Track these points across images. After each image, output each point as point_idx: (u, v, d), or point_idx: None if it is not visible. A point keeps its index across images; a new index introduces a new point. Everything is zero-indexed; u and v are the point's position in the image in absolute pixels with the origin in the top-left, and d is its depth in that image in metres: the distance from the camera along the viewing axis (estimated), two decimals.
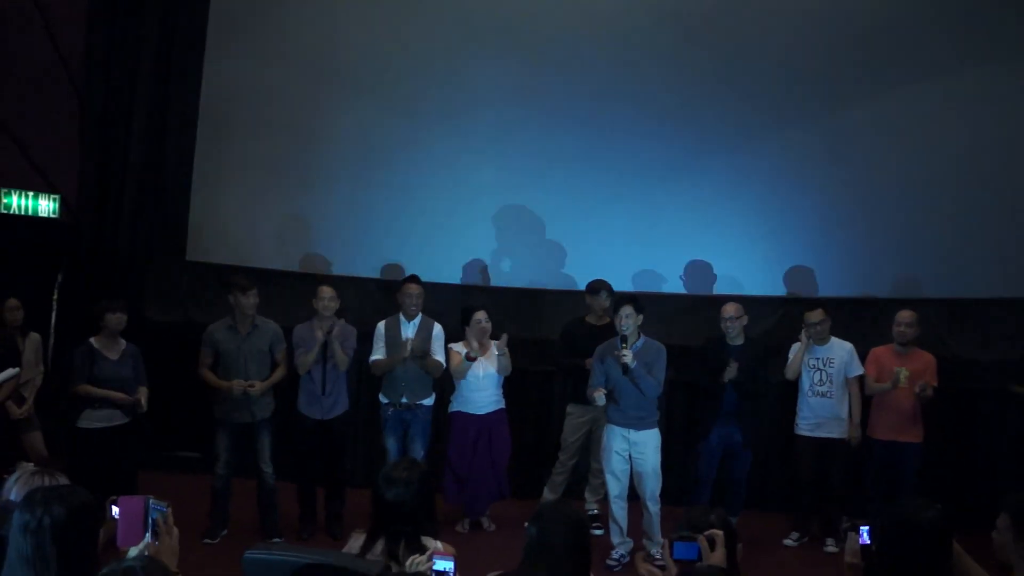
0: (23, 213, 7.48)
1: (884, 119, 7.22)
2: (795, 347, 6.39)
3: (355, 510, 6.14)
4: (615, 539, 5.95)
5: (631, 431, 5.81)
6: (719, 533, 2.77)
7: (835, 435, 6.27)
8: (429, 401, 6.45)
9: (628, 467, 5.85)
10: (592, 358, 5.94)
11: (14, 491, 2.89)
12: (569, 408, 6.61)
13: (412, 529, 3.07)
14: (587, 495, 6.66)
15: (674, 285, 7.44)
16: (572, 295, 7.17)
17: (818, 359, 6.31)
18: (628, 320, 5.71)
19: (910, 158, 7.19)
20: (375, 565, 2.94)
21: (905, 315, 6.20)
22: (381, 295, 7.27)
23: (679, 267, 7.44)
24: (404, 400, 6.33)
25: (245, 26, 7.86)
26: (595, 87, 7.46)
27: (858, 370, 6.28)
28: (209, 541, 6.01)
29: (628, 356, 5.63)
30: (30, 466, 3.11)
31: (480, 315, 6.30)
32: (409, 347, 6.28)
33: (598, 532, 6.17)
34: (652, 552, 5.81)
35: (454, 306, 6.84)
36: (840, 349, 6.31)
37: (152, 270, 7.73)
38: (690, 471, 6.64)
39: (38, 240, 7.55)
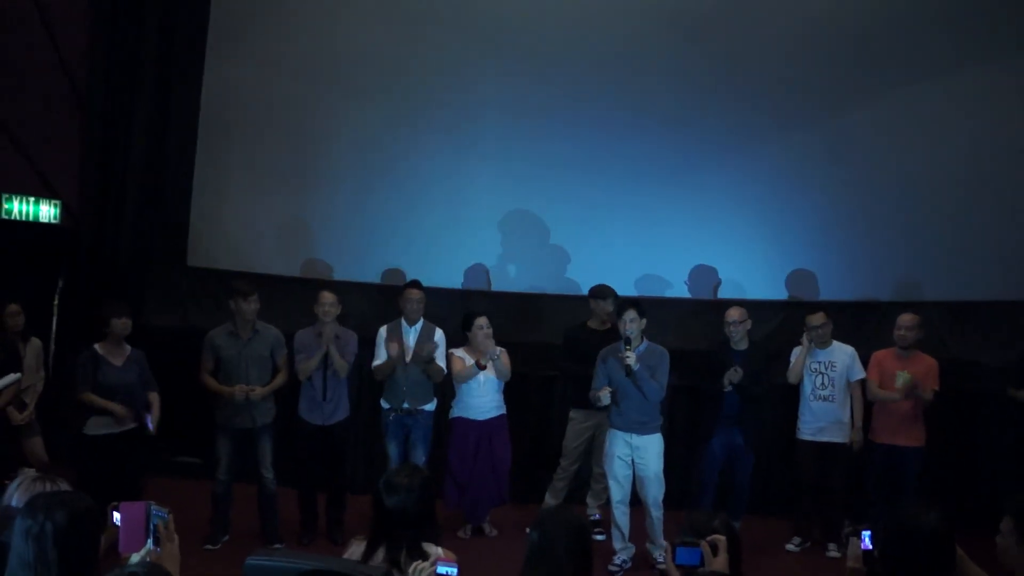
0: (24, 218, 7.48)
1: (885, 121, 7.23)
2: (796, 351, 6.39)
3: (356, 516, 6.14)
4: (617, 544, 5.94)
5: (633, 436, 5.81)
6: (721, 538, 2.76)
7: (837, 439, 6.26)
8: (430, 407, 6.44)
9: (630, 472, 5.85)
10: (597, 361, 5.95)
11: (15, 497, 2.90)
12: (572, 413, 6.60)
13: (413, 535, 3.06)
14: (589, 500, 6.65)
15: (676, 290, 7.45)
16: (573, 300, 7.17)
17: (820, 363, 6.30)
18: (632, 324, 5.74)
19: (911, 161, 7.19)
20: (377, 571, 2.93)
21: (906, 319, 6.19)
22: (382, 300, 7.26)
23: (680, 271, 7.44)
24: (405, 405, 6.33)
25: (246, 30, 7.87)
26: (596, 91, 7.46)
27: (860, 374, 6.27)
28: (210, 547, 6.00)
29: (631, 358, 5.64)
30: (31, 472, 3.11)
31: (481, 321, 6.30)
32: (409, 355, 6.27)
33: (600, 538, 6.16)
34: (655, 556, 5.81)
35: (455, 311, 6.84)
36: (842, 353, 6.30)
37: (153, 275, 7.73)
38: (693, 475, 6.64)
39: (39, 245, 7.55)
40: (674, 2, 7.47)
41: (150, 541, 2.71)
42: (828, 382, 6.27)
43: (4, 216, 7.28)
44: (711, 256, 7.43)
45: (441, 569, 2.81)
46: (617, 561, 5.93)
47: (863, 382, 6.27)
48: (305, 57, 7.77)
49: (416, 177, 7.63)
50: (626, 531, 5.93)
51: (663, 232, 7.42)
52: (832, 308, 6.55)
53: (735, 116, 7.37)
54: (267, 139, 7.84)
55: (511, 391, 6.55)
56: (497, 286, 7.64)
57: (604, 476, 6.10)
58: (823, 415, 6.27)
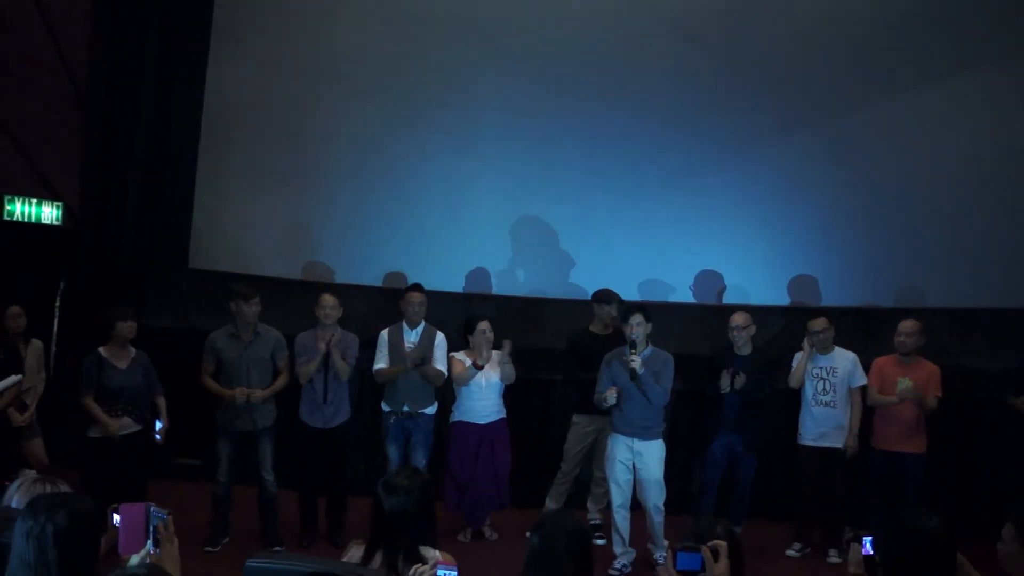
0: (26, 220, 7.48)
1: (887, 125, 7.24)
2: (798, 356, 6.39)
3: (357, 518, 6.12)
4: (617, 549, 5.94)
5: (635, 440, 5.81)
6: (723, 544, 2.75)
7: (838, 445, 6.25)
8: (431, 410, 6.44)
9: (632, 476, 5.84)
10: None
11: (15, 498, 2.90)
12: (575, 418, 6.58)
13: (411, 539, 3.05)
14: (589, 504, 6.64)
15: (680, 294, 7.44)
16: (574, 304, 7.17)
17: (821, 368, 6.29)
18: (639, 328, 5.75)
19: (912, 162, 7.20)
20: (377, 574, 2.93)
21: (906, 325, 6.18)
22: (384, 303, 7.25)
23: (683, 275, 7.44)
24: (406, 408, 6.32)
25: (248, 33, 7.86)
26: (598, 94, 7.46)
27: (861, 380, 6.26)
28: (210, 549, 5.99)
29: (637, 362, 5.65)
30: (32, 473, 3.11)
31: (484, 324, 6.30)
32: (409, 361, 6.27)
33: (600, 542, 6.14)
34: (656, 558, 5.81)
35: (457, 314, 6.84)
36: (843, 359, 6.30)
37: (154, 277, 7.72)
38: (694, 480, 6.63)
39: (40, 247, 7.55)
40: (675, 3, 7.48)
41: (150, 542, 2.71)
42: (829, 388, 6.26)
43: (6, 218, 7.28)
44: (713, 259, 7.43)
45: (441, 572, 2.80)
46: (617, 565, 5.92)
47: (864, 388, 6.26)
48: (306, 57, 7.77)
49: (416, 178, 7.63)
50: (626, 535, 5.92)
51: (664, 234, 7.42)
52: (834, 314, 6.55)
53: (738, 120, 7.38)
54: (268, 140, 7.83)
55: (512, 395, 6.54)
56: (499, 289, 7.63)
57: (605, 480, 6.10)
58: (824, 420, 6.26)
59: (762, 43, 7.34)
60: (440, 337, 6.41)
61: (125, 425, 5.84)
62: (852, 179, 7.31)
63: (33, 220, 7.54)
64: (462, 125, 7.59)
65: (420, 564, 2.94)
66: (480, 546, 6.38)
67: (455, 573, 2.80)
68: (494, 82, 7.56)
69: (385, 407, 6.43)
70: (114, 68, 7.87)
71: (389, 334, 6.39)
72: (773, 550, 6.34)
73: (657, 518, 5.85)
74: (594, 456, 6.52)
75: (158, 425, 5.94)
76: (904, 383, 5.95)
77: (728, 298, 7.34)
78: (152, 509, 2.74)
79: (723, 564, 2.72)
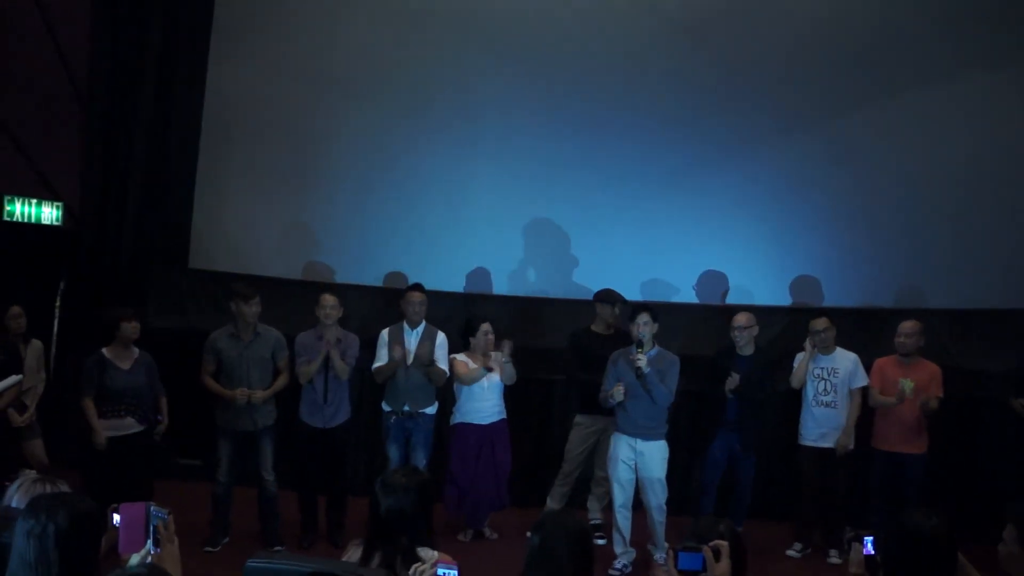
0: (26, 220, 7.48)
1: (887, 126, 7.24)
2: (800, 356, 6.38)
3: (357, 518, 6.11)
4: (618, 549, 5.94)
5: (638, 440, 5.81)
6: (724, 544, 2.75)
7: None
8: (431, 410, 6.43)
9: (633, 476, 5.85)
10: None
11: (15, 498, 2.90)
12: (577, 419, 6.57)
13: (409, 539, 3.05)
14: (590, 504, 6.64)
15: (683, 295, 7.44)
16: (575, 304, 7.16)
17: (823, 368, 6.29)
18: (645, 327, 5.77)
19: (913, 166, 7.20)
20: (377, 574, 2.92)
21: (907, 326, 6.18)
22: (384, 303, 7.24)
23: (686, 275, 7.43)
24: (406, 408, 6.32)
25: (248, 33, 7.86)
26: (599, 94, 7.46)
27: (862, 381, 6.26)
28: (210, 549, 5.99)
29: (643, 361, 5.67)
30: (32, 473, 3.11)
31: (486, 326, 6.32)
32: (410, 358, 6.27)
33: (601, 542, 6.14)
34: (656, 558, 5.81)
35: (457, 314, 6.85)
36: (844, 359, 6.30)
37: (154, 277, 7.71)
38: (694, 480, 6.62)
39: (41, 247, 7.55)
40: (675, 3, 7.47)
41: (150, 542, 2.71)
42: (830, 388, 6.26)
43: (6, 218, 7.27)
44: (715, 259, 7.42)
45: (441, 571, 2.80)
46: (618, 565, 5.92)
47: (865, 389, 6.26)
48: (306, 57, 7.75)
49: (416, 177, 7.62)
50: (627, 535, 5.92)
51: (665, 234, 7.41)
52: (835, 314, 6.55)
53: (736, 117, 7.37)
54: (268, 140, 7.82)
55: (512, 395, 6.54)
56: (499, 289, 7.62)
57: (606, 480, 6.10)
58: (825, 421, 6.26)
59: (762, 43, 7.34)
60: (441, 337, 6.41)
61: (128, 425, 5.84)
62: (852, 179, 7.30)
63: (33, 220, 7.54)
64: (462, 125, 7.59)
65: (421, 563, 2.93)
66: (480, 546, 6.38)
67: (455, 572, 2.79)
68: (494, 82, 7.55)
69: (385, 407, 6.43)
70: (114, 68, 7.87)
71: (389, 334, 6.39)
72: (773, 550, 6.34)
73: (659, 518, 5.85)
74: (596, 456, 6.52)
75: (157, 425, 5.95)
76: (905, 384, 5.96)
77: (732, 298, 7.33)
78: (152, 509, 2.74)
79: (724, 564, 2.72)
